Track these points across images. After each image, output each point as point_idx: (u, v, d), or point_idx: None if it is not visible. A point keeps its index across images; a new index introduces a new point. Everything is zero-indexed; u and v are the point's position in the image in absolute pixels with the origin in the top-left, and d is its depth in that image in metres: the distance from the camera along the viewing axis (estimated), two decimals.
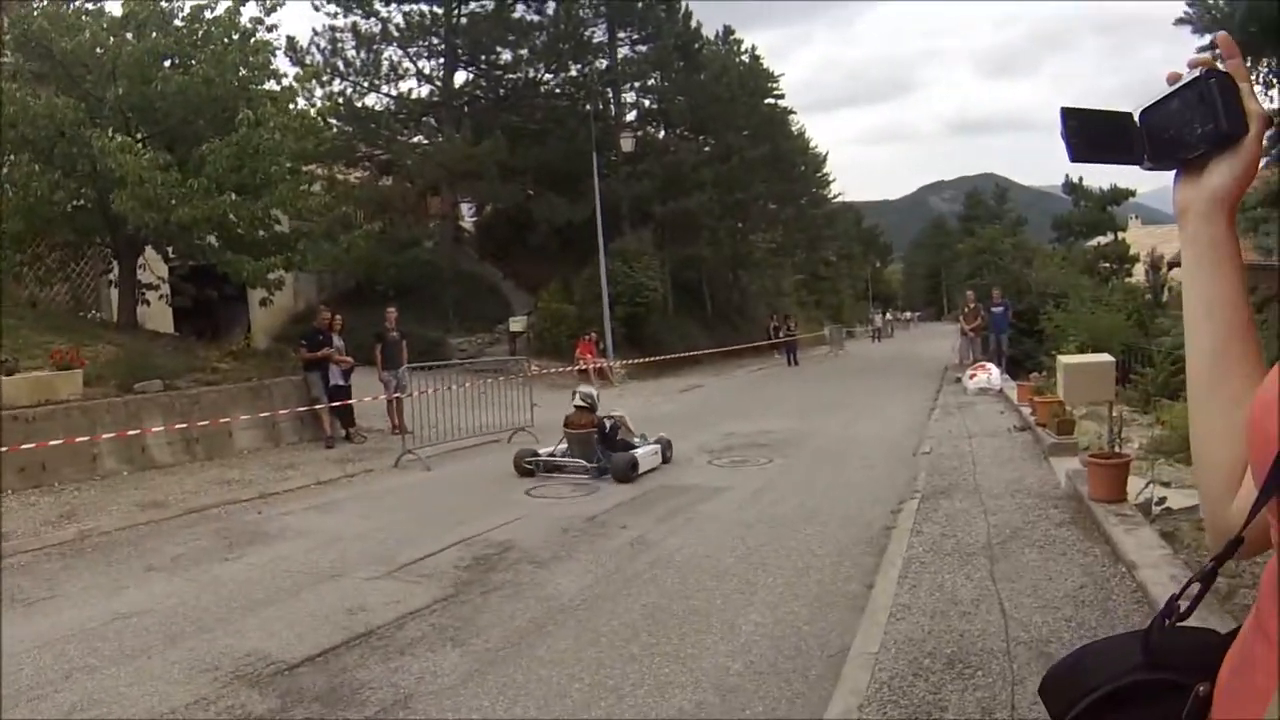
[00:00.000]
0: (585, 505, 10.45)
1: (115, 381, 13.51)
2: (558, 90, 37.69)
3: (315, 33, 33.09)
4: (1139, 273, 39.32)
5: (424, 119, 36.13)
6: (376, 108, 34.78)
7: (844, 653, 5.56)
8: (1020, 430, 14.42)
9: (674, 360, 30.29)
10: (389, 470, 13.30)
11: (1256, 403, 1.07)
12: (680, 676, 5.35)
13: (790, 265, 58.77)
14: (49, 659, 5.86)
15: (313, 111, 19.12)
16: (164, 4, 16.45)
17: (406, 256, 30.87)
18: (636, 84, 39.57)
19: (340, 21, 33.39)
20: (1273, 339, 12.99)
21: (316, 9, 33.05)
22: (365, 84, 34.15)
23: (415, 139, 35.74)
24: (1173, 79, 1.24)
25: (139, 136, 15.27)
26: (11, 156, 14.86)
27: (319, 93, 30.79)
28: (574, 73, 36.93)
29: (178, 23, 16.38)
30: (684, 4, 39.32)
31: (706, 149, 39.78)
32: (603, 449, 12.31)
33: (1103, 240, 41.89)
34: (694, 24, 39.80)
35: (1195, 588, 1.16)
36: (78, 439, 11.83)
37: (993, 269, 43.37)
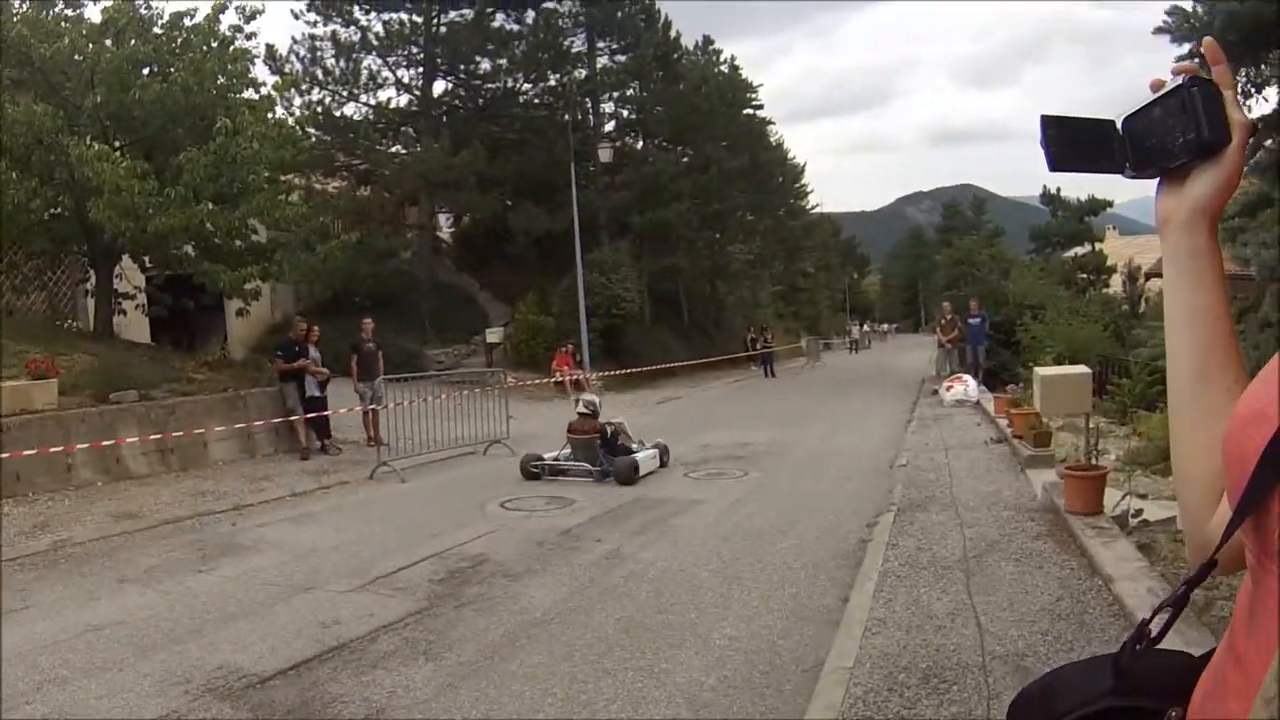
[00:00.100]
0: (560, 518, 10.43)
1: (91, 391, 13.40)
2: (536, 100, 37.64)
3: (295, 41, 33.19)
4: (1116, 283, 39.48)
5: (402, 128, 36.08)
6: (355, 117, 34.75)
7: (819, 667, 5.55)
8: (997, 442, 14.46)
9: (651, 372, 30.24)
10: (364, 482, 13.24)
11: (1233, 419, 1.06)
12: (654, 691, 5.34)
13: (768, 276, 58.86)
14: (21, 670, 5.80)
15: (291, 120, 19.06)
16: (143, 11, 16.39)
17: (384, 267, 30.86)
18: (615, 94, 39.63)
19: (320, 30, 33.37)
20: (1251, 350, 13.04)
21: (296, 17, 33.05)
22: (344, 93, 34.08)
23: (394, 148, 35.71)
24: (1156, 86, 1.22)
25: (117, 145, 15.13)
26: None
27: (298, 101, 30.84)
28: (553, 82, 36.83)
29: (157, 30, 16.26)
30: (664, 14, 39.41)
31: (685, 159, 39.80)
32: (604, 453, 12.97)
33: (1080, 251, 42.02)
34: (673, 34, 39.87)
35: (1167, 611, 1.15)
36: (52, 449, 11.72)
37: (970, 280, 43.53)
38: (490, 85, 36.67)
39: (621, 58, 38.30)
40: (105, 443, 12.48)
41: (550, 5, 35.80)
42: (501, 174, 33.04)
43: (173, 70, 15.37)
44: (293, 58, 32.51)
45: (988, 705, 4.76)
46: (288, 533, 9.99)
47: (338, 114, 33.91)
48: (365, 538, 9.64)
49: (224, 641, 6.33)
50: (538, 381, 25.21)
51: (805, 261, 70.67)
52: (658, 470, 13.36)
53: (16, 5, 16.03)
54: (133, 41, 15.61)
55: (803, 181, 66.19)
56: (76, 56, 15.29)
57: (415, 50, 34.38)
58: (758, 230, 51.10)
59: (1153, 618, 1.17)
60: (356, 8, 33.44)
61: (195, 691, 5.43)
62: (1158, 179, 1.26)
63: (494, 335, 30.25)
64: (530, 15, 35.68)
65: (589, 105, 38.59)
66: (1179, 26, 13.32)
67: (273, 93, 17.91)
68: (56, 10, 16.50)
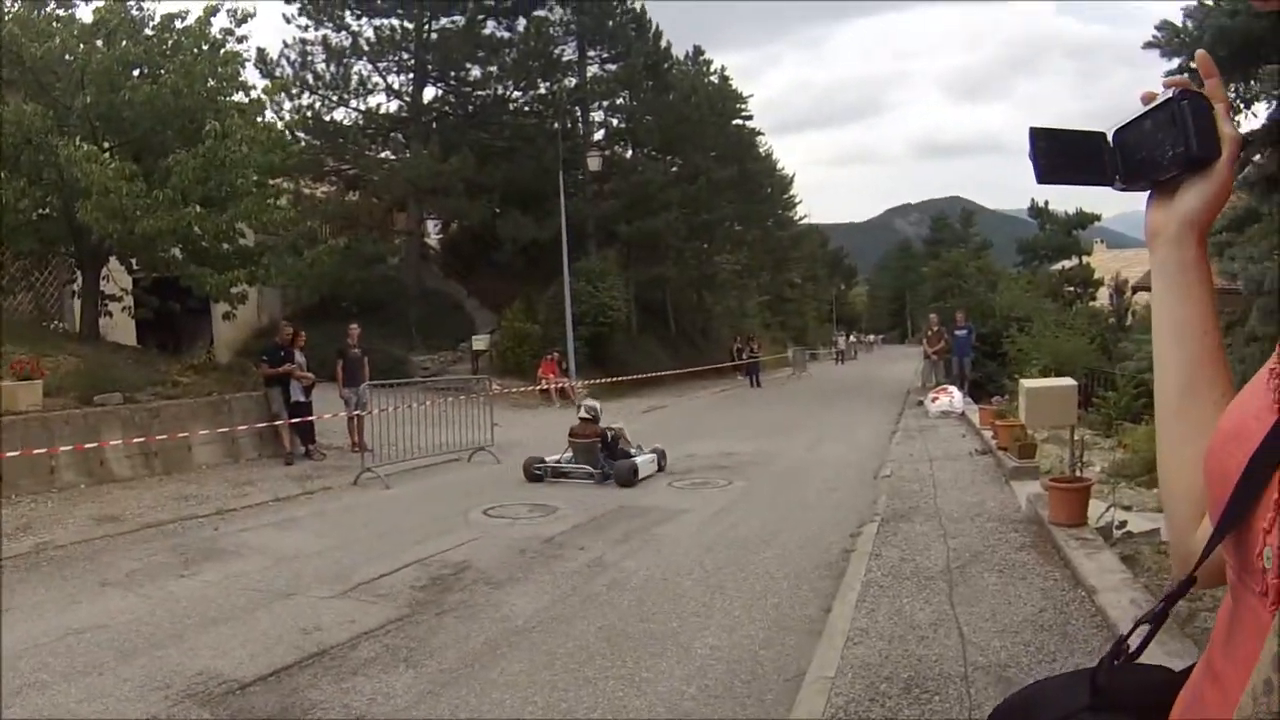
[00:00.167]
0: (543, 526, 10.41)
1: (75, 393, 13.34)
2: (526, 108, 37.66)
3: (286, 45, 32.98)
4: (1103, 296, 39.61)
5: (392, 134, 36.09)
6: (345, 122, 34.75)
7: (800, 677, 5.55)
8: (982, 454, 14.49)
9: (637, 381, 30.23)
10: (348, 488, 13.20)
11: (1216, 435, 1.05)
12: (635, 700, 5.33)
13: (755, 286, 58.93)
14: None
15: (280, 125, 19.01)
16: (135, 12, 16.36)
17: (371, 272, 30.86)
18: (605, 103, 39.56)
19: (311, 35, 33.36)
20: (1237, 364, 13.09)
21: (288, 21, 33.03)
22: (334, 98, 34.05)
23: (383, 154, 35.76)
24: (1147, 99, 1.21)
25: (106, 146, 15.10)
26: None
27: (288, 105, 30.78)
28: (543, 90, 36.84)
29: (148, 31, 16.25)
30: (654, 24, 39.40)
31: (674, 169, 39.84)
32: (605, 457, 13.42)
33: (1067, 264, 42.09)
34: (664, 44, 39.81)
35: (1146, 627, 1.14)
36: (36, 450, 11.68)
37: (957, 292, 43.56)
38: (480, 92, 36.70)
39: (612, 67, 38.21)
40: (89, 445, 12.45)
41: (541, 13, 35.73)
42: (490, 181, 33.05)
43: (163, 72, 15.31)
44: (283, 62, 32.55)
45: (970, 715, 4.76)
46: (270, 538, 9.94)
47: (327, 119, 33.92)
48: (348, 544, 9.61)
49: (204, 647, 6.30)
50: (523, 389, 25.19)
51: (793, 272, 70.69)
52: (655, 475, 13.66)
53: (9, 5, 15.98)
54: (124, 42, 15.56)
55: (791, 192, 66.38)
56: (67, 57, 15.27)
57: (406, 56, 34.36)
58: (745, 240, 51.10)
59: (1131, 633, 1.17)
60: (348, 13, 33.41)
61: (175, 697, 5.40)
62: (1149, 192, 1.25)
63: (480, 342, 30.23)
64: (521, 23, 35.61)
65: (579, 114, 38.53)
66: (1169, 41, 13.38)
67: (263, 96, 17.91)
68: (48, 10, 16.44)
